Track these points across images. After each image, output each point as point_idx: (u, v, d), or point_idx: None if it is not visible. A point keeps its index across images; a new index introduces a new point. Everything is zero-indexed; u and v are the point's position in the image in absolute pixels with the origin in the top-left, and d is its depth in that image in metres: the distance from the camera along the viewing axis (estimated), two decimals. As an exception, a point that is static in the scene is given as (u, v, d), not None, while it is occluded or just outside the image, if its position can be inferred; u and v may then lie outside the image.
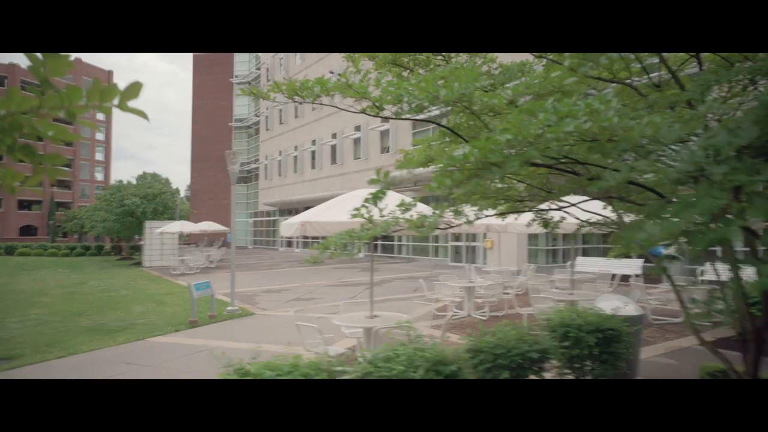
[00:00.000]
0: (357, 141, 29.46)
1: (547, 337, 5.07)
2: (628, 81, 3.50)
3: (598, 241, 18.18)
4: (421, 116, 3.21)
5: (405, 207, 2.92)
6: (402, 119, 3.42)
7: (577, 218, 4.93)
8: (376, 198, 2.39)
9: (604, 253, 16.54)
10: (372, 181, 2.56)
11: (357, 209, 3.16)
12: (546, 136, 1.69)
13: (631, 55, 3.09)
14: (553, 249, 17.87)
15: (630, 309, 5.61)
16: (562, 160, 2.31)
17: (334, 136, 31.56)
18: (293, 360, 3.64)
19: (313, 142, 34.03)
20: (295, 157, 36.94)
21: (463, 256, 20.62)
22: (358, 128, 29.06)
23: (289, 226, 6.48)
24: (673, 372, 5.93)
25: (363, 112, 2.86)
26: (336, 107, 3.50)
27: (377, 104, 2.77)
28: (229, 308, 11.23)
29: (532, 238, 17.14)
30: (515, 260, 16.49)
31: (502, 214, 4.93)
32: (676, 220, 1.93)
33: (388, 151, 26.04)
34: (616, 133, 1.86)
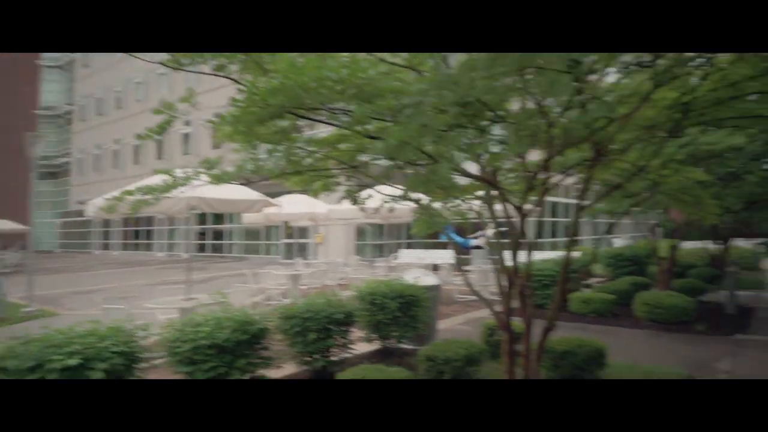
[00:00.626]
0: (187, 136, 27.96)
1: (355, 304, 5.52)
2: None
3: (422, 236, 19.72)
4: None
5: (208, 164, 3.05)
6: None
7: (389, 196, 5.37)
8: (161, 128, 2.49)
9: (427, 248, 17.99)
10: (155, 112, 2.65)
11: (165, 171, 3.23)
12: (313, 86, 1.99)
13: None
14: (380, 244, 19.00)
15: (429, 279, 6.33)
16: (336, 113, 2.63)
17: (187, 123, 29.27)
18: (91, 326, 3.52)
19: (138, 136, 31.32)
20: (115, 151, 33.73)
21: (295, 252, 20.84)
22: (188, 123, 27.61)
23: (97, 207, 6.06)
24: (465, 334, 6.79)
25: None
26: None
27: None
28: (26, 309, 10.01)
29: (361, 234, 18.05)
30: (344, 254, 17.17)
31: (316, 192, 5.25)
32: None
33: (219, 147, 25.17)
34: (380, 86, 2.25)
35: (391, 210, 5.27)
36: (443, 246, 15.22)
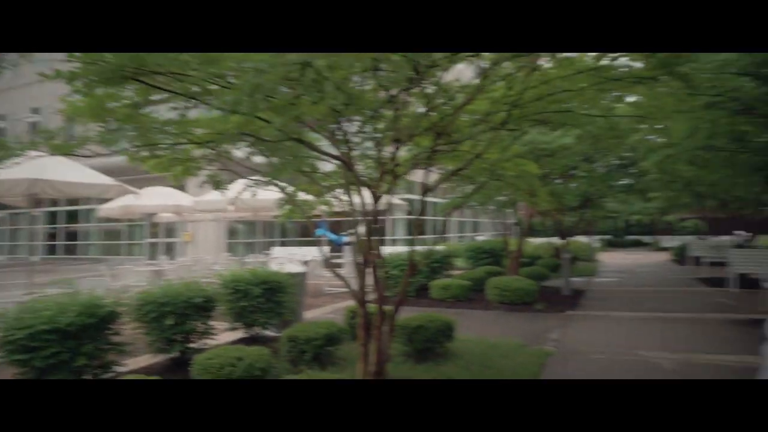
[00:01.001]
0: (35, 126, 25.08)
1: (219, 292, 5.45)
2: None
3: (296, 234, 19.74)
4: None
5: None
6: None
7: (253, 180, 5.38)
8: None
9: (301, 245, 17.98)
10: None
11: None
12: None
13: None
14: (253, 242, 18.65)
15: (294, 267, 6.45)
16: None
17: (36, 110, 25.90)
18: None
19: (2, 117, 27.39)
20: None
21: (161, 252, 19.67)
22: (36, 111, 24.82)
23: None
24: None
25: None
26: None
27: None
28: None
29: (232, 232, 17.57)
30: (214, 253, 16.60)
31: (176, 176, 5.11)
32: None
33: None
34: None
35: (254, 195, 5.31)
36: (318, 243, 15.37)
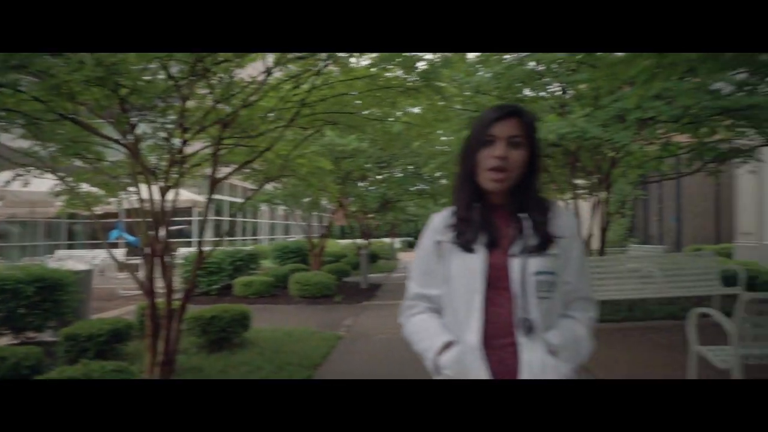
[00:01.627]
0: None
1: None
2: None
3: (87, 236, 17.89)
4: None
5: None
6: None
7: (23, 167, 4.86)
8: None
9: (94, 248, 16.29)
10: None
11: None
12: None
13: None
14: (33, 245, 16.39)
15: (78, 264, 5.99)
16: None
17: None
18: None
19: None
20: None
21: None
22: None
23: None
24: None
25: None
26: None
27: None
28: None
29: (4, 236, 15.21)
30: (-21, 260, 14.15)
31: None
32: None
33: None
34: None
35: (26, 184, 4.85)
36: (114, 246, 14.11)
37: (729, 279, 6.44)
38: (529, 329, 1.23)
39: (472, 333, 1.26)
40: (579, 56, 5.41)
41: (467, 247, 1.30)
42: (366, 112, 4.75)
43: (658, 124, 5.66)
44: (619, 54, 4.30)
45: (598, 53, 5.08)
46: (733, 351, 2.86)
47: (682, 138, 7.47)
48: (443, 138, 8.37)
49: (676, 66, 3.79)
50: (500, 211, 1.34)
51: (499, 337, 1.26)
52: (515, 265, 1.27)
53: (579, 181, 8.65)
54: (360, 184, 11.09)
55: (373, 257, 15.64)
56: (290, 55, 3.72)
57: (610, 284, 6.20)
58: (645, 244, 16.18)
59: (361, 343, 5.72)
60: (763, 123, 5.29)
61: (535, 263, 1.26)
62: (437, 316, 1.39)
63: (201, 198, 11.90)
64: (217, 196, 16.96)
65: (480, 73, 6.18)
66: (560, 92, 6.81)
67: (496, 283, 1.28)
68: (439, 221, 1.40)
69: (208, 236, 19.46)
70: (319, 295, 8.79)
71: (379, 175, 11.10)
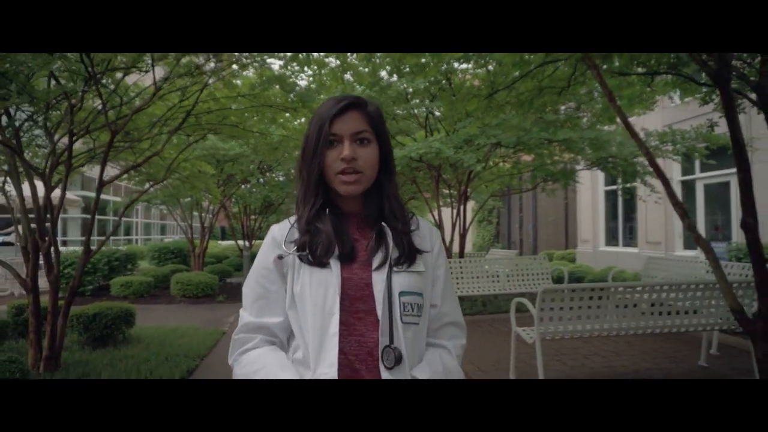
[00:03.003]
0: None
1: None
2: None
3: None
4: None
5: None
6: None
7: None
8: None
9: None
10: None
11: None
12: None
13: None
14: None
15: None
16: None
17: None
18: None
19: None
20: None
21: None
22: None
23: None
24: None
25: None
26: None
27: None
28: None
29: None
30: None
31: None
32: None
33: None
34: None
35: None
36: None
37: (560, 278, 7.78)
38: (397, 360, 1.02)
39: (328, 366, 1.01)
40: (437, 85, 6.31)
41: (319, 260, 1.06)
42: (249, 123, 5.19)
43: (503, 147, 6.75)
44: (465, 87, 5.15)
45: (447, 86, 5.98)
46: (535, 330, 3.77)
47: (529, 158, 8.81)
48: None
49: (502, 106, 4.74)
50: (354, 220, 1.15)
51: (360, 370, 1.04)
52: (378, 282, 1.06)
53: (446, 191, 9.76)
54: (243, 186, 11.32)
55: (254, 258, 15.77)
56: (181, 69, 4.07)
57: (467, 283, 7.20)
58: (508, 248, 18.08)
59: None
60: (581, 151, 6.57)
61: (400, 281, 1.07)
62: (277, 349, 1.12)
63: (75, 197, 11.37)
64: (88, 193, 16.08)
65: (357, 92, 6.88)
66: (426, 113, 7.72)
67: (355, 304, 1.05)
68: (279, 233, 1.14)
69: (78, 235, 18.28)
70: (202, 295, 8.95)
71: (261, 178, 11.43)
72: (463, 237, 8.39)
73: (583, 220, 14.28)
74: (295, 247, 1.10)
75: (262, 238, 18.65)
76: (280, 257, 1.11)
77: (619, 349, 5.21)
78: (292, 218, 1.17)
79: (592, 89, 5.82)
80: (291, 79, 4.14)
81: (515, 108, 4.59)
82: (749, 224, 2.64)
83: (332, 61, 5.37)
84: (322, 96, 4.83)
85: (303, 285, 1.07)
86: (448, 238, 8.65)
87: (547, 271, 7.50)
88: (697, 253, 9.07)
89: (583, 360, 4.80)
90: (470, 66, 5.82)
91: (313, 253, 1.08)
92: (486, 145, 5.91)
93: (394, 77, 6.64)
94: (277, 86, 4.23)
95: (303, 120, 5.34)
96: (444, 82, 6.29)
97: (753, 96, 3.22)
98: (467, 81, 6.43)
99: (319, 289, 1.05)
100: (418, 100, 7.10)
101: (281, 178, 12.04)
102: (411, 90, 6.67)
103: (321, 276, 1.06)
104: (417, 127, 8.45)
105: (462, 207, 8.24)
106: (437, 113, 7.66)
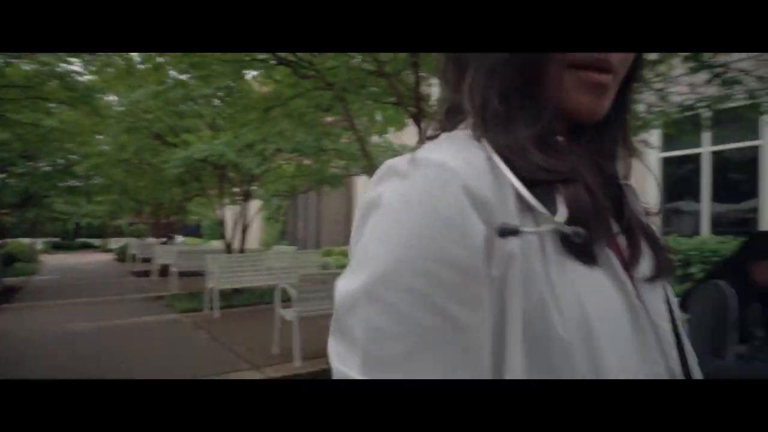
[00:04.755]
0: None
1: None
2: None
3: None
4: None
5: None
6: None
7: None
8: None
9: None
10: None
11: None
12: None
13: None
14: None
15: None
16: None
17: None
18: None
19: None
20: None
21: None
22: None
23: None
24: None
25: None
26: None
27: None
28: None
29: None
30: None
31: None
32: None
33: None
34: None
35: None
36: None
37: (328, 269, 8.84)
38: None
39: None
40: (225, 89, 6.76)
41: (589, 249, 0.46)
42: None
43: (285, 152, 7.49)
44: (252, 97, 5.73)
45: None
46: (293, 310, 4.57)
47: (310, 161, 9.73)
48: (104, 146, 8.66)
49: (276, 118, 5.47)
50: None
51: None
52: (656, 291, 0.53)
53: (236, 189, 10.14)
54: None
55: (9, 259, 13.90)
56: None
57: (248, 275, 7.75)
58: (294, 245, 18.99)
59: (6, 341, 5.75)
60: (352, 158, 7.68)
61: (669, 288, 0.57)
62: None
63: None
64: None
65: (141, 91, 6.91)
66: (213, 116, 8.06)
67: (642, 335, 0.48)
68: (473, 178, 0.43)
69: None
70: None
71: (22, 167, 10.30)
72: (244, 232, 8.91)
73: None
74: (551, 216, 0.44)
75: (17, 236, 16.55)
76: (510, 232, 0.42)
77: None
78: (476, 149, 0.46)
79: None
80: (69, 77, 4.22)
81: (290, 120, 5.34)
82: None
83: (118, 60, 5.40)
84: (106, 96, 4.93)
85: (583, 299, 0.44)
86: (230, 235, 9.07)
87: (318, 264, 8.49)
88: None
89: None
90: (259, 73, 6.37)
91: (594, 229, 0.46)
92: (268, 149, 6.54)
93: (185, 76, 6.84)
94: (57, 81, 4.26)
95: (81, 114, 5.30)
96: (233, 85, 6.72)
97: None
98: (255, 88, 6.97)
99: (604, 313, 0.45)
100: (204, 102, 7.41)
101: (47, 168, 10.92)
102: (195, 93, 6.96)
103: (596, 280, 0.46)
104: (204, 125, 8.70)
105: (245, 205, 8.77)
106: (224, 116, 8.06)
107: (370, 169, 4.09)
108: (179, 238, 19.50)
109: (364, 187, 14.81)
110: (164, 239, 15.26)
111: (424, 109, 3.88)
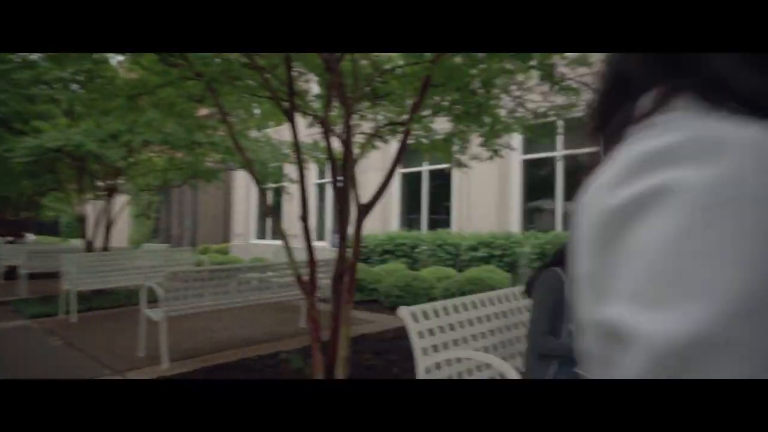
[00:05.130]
0: None
1: None
2: None
3: None
4: None
5: None
6: None
7: None
8: None
9: None
10: None
11: None
12: None
13: None
14: None
15: None
16: None
17: None
18: None
19: None
20: None
21: None
22: None
23: None
24: None
25: None
26: None
27: None
28: None
29: None
30: None
31: None
32: None
33: None
34: None
35: None
36: None
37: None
38: None
39: None
40: (87, 74, 6.21)
41: None
42: None
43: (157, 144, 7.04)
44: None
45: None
46: (160, 309, 4.34)
47: (182, 154, 9.23)
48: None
49: (143, 107, 5.15)
50: None
51: None
52: None
53: (101, 183, 9.31)
54: None
55: None
56: None
57: (113, 276, 7.18)
58: (167, 243, 17.92)
59: None
60: (227, 152, 7.43)
61: None
62: None
63: None
64: None
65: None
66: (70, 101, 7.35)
67: None
68: None
69: None
70: None
71: None
72: (108, 231, 8.26)
73: (239, 215, 15.47)
74: None
75: None
76: None
77: (243, 322, 6.24)
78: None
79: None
80: None
81: (158, 110, 5.04)
82: (304, 219, 3.73)
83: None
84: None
85: None
86: (91, 233, 8.35)
87: (192, 262, 8.12)
88: (325, 244, 11.16)
89: (211, 334, 5.61)
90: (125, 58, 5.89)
91: None
92: (135, 140, 6.11)
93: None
94: None
95: None
96: (94, 69, 6.17)
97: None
98: (121, 73, 6.45)
99: None
100: (61, 86, 6.74)
101: None
102: (48, 77, 6.31)
103: None
104: (60, 112, 7.89)
105: (110, 200, 8.13)
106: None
107: (246, 165, 4.00)
108: (30, 237, 17.46)
109: (245, 183, 14.43)
110: (11, 238, 13.63)
111: (298, 104, 3.89)
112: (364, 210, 3.50)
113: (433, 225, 10.83)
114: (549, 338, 2.33)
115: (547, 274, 2.45)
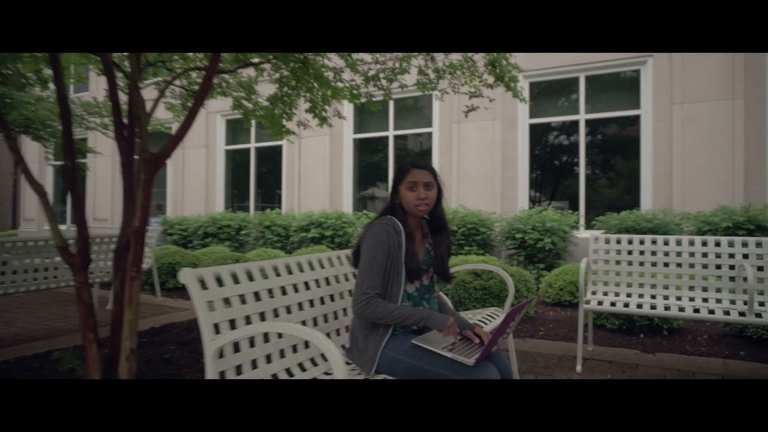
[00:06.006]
0: None
1: None
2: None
3: None
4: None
5: None
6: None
7: None
8: None
9: None
10: None
11: None
12: None
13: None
14: None
15: None
16: None
17: None
18: None
19: None
20: None
21: None
22: None
23: None
24: None
25: None
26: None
27: None
28: None
29: None
30: None
31: None
32: None
33: None
34: None
35: None
36: None
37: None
38: None
39: None
40: None
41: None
42: None
43: None
44: None
45: None
46: None
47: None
48: None
49: None
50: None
51: None
52: None
53: None
54: None
55: None
56: None
57: None
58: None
59: None
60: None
61: None
62: None
63: None
64: None
65: None
66: None
67: None
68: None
69: None
70: None
71: None
72: None
73: (29, 200, 12.99)
74: None
75: None
76: None
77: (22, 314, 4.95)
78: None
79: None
80: None
81: None
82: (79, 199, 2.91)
83: None
84: None
85: None
86: None
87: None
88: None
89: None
90: None
91: None
92: None
93: None
94: None
95: None
96: None
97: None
98: None
99: None
100: None
101: None
102: None
103: None
104: None
105: None
106: None
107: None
108: None
109: (36, 158, 12.02)
110: None
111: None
112: (154, 162, 2.73)
113: (264, 206, 10.11)
114: (380, 302, 1.88)
115: (379, 222, 2.00)
